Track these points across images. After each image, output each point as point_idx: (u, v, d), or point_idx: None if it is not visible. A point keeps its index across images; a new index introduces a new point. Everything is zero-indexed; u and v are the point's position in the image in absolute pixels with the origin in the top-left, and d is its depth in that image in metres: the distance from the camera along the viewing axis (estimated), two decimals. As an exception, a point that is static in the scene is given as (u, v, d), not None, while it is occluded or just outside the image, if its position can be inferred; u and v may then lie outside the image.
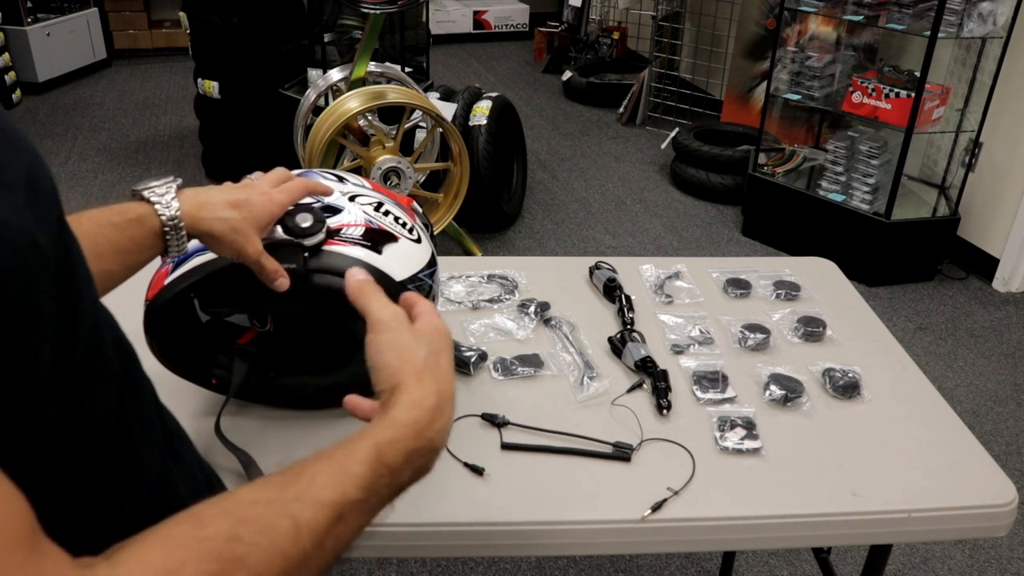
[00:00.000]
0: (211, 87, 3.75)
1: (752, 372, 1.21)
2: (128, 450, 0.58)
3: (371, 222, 1.00)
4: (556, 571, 1.99)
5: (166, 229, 0.81)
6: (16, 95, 4.89)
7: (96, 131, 4.57)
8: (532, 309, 1.31)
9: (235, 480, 0.97)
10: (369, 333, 0.69)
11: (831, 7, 3.27)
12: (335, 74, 3.21)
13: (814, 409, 1.15)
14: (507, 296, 1.37)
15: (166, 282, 0.95)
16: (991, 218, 3.30)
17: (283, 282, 0.89)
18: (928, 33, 2.89)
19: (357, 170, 2.89)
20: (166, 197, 0.82)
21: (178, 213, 0.82)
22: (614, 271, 1.42)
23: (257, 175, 0.97)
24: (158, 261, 0.92)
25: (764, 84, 3.65)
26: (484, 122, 3.37)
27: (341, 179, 1.07)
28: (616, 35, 5.48)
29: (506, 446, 1.05)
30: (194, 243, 0.97)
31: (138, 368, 0.63)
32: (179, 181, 0.84)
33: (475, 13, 6.58)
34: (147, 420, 0.62)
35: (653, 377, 1.16)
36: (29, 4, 4.94)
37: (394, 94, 2.84)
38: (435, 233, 1.17)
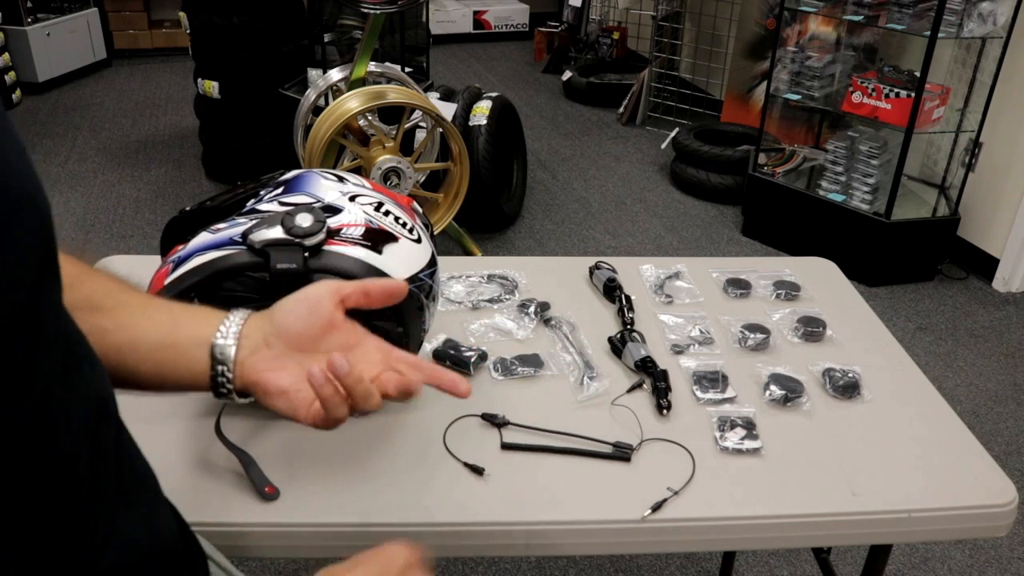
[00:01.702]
0: (211, 87, 3.75)
1: (752, 372, 1.21)
2: (73, 511, 0.52)
3: (371, 222, 1.00)
4: (556, 571, 1.99)
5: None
6: (16, 95, 4.90)
7: (96, 131, 4.57)
8: (532, 309, 1.31)
9: (235, 480, 0.98)
10: None
11: (831, 7, 3.27)
12: (335, 74, 3.21)
13: (814, 409, 1.15)
14: (507, 296, 1.37)
15: (166, 282, 0.95)
16: (991, 218, 3.30)
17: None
18: (928, 33, 2.89)
19: (357, 170, 2.89)
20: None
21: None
22: (614, 271, 1.42)
23: None
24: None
25: (764, 84, 3.65)
26: (484, 122, 3.37)
27: (341, 179, 1.07)
28: (616, 35, 5.48)
29: (506, 446, 1.05)
30: (194, 242, 0.97)
31: (104, 413, 0.57)
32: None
33: (475, 13, 6.58)
34: (102, 472, 0.56)
35: (653, 377, 1.16)
36: (29, 4, 4.94)
37: (394, 94, 2.84)
38: (435, 233, 1.17)
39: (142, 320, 0.71)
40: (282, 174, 1.10)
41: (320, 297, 0.73)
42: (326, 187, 1.04)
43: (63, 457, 0.51)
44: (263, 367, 0.72)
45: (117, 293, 0.72)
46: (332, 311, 0.73)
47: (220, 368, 0.71)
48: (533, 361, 1.20)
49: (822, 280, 1.48)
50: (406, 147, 3.00)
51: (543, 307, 1.33)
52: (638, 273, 1.46)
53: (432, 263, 1.05)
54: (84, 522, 0.54)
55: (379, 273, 0.96)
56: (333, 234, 0.96)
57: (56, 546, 0.52)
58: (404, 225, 1.04)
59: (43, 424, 0.48)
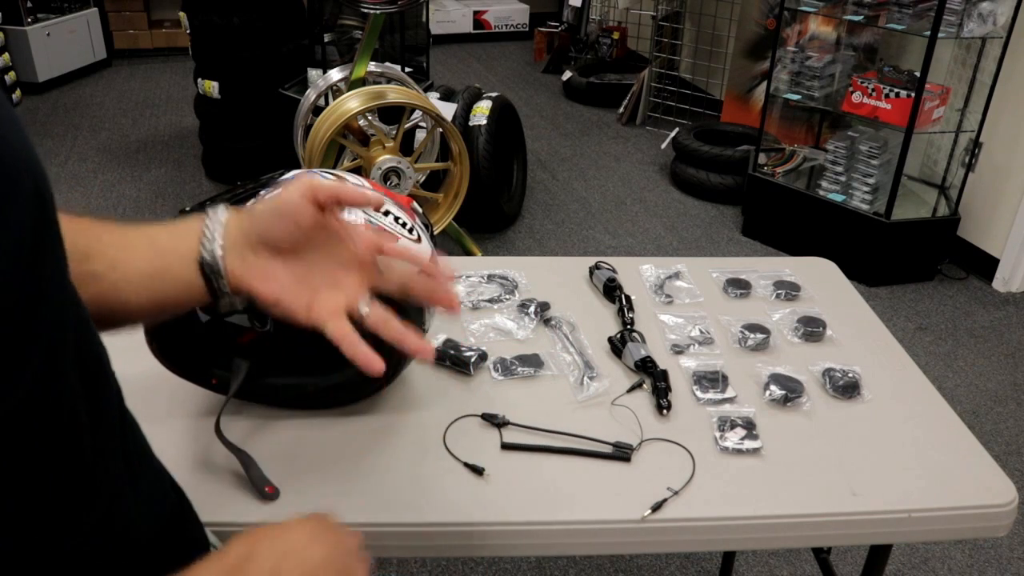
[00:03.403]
0: (211, 87, 3.75)
1: (752, 372, 1.21)
2: (77, 485, 0.53)
3: (371, 222, 1.00)
4: (556, 571, 1.99)
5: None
6: (16, 95, 4.89)
7: (96, 131, 4.57)
8: (532, 309, 1.31)
9: (236, 480, 0.98)
10: None
11: (831, 7, 3.27)
12: (335, 74, 3.21)
13: (814, 409, 1.15)
14: (507, 296, 1.37)
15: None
16: (991, 218, 3.30)
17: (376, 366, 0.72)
18: (928, 33, 2.89)
19: (357, 170, 2.89)
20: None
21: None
22: (614, 271, 1.42)
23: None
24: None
25: (764, 84, 3.65)
26: (484, 122, 3.37)
27: (341, 179, 1.07)
28: (616, 35, 5.48)
29: (506, 446, 1.05)
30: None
31: (106, 389, 0.58)
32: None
33: (475, 13, 6.58)
34: (106, 447, 0.56)
35: (653, 377, 1.16)
36: (29, 4, 4.94)
37: (394, 94, 2.84)
38: (435, 233, 1.17)
39: (127, 255, 0.72)
40: (282, 174, 1.10)
41: (297, 205, 0.72)
42: (326, 187, 1.04)
43: (67, 427, 0.51)
44: (252, 276, 0.72)
45: (100, 234, 0.72)
46: (312, 215, 0.73)
47: (217, 282, 0.71)
48: (533, 361, 1.20)
49: (822, 280, 1.48)
50: (406, 147, 3.00)
51: (543, 307, 1.33)
52: (638, 273, 1.46)
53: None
54: (89, 495, 0.54)
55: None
56: (333, 234, 0.96)
57: (60, 520, 0.52)
58: (404, 225, 1.04)
59: (48, 391, 0.48)
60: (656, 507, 0.97)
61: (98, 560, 0.56)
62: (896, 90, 3.06)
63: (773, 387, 1.16)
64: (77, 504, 0.53)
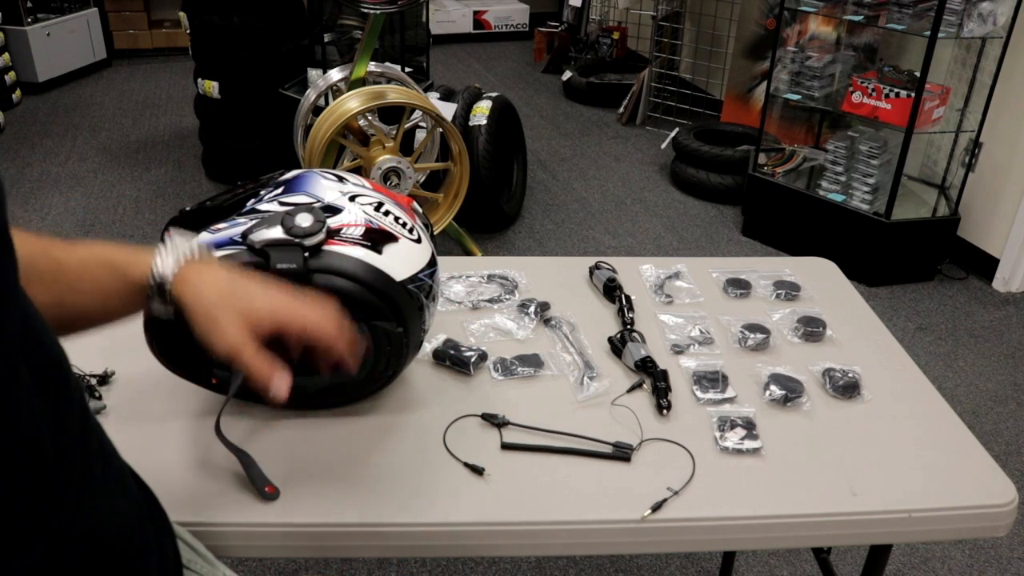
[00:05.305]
0: (211, 87, 3.75)
1: (752, 372, 1.21)
2: (39, 487, 0.53)
3: (371, 222, 1.00)
4: (556, 571, 1.99)
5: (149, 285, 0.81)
6: (16, 95, 4.89)
7: (96, 131, 4.57)
8: (532, 309, 1.31)
9: (236, 480, 0.98)
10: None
11: (831, 7, 3.27)
12: (335, 74, 3.21)
13: (814, 409, 1.15)
14: (507, 296, 1.37)
15: (166, 282, 0.95)
16: (991, 218, 3.30)
17: (278, 391, 0.80)
18: (928, 33, 2.89)
19: (357, 170, 2.89)
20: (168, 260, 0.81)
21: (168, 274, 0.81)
22: (614, 271, 1.42)
23: None
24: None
25: (764, 84, 3.65)
26: (484, 122, 3.37)
27: (341, 179, 1.07)
28: (616, 35, 5.48)
29: (506, 446, 1.05)
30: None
31: (66, 393, 0.58)
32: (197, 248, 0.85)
33: (475, 13, 6.58)
34: (68, 450, 0.56)
35: (653, 377, 1.16)
36: (29, 4, 4.94)
37: (394, 94, 2.84)
38: (435, 233, 1.17)
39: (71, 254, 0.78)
40: (282, 174, 1.10)
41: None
42: (326, 187, 1.04)
43: (27, 432, 0.51)
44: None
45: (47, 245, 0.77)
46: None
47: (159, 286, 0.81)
48: (533, 361, 1.20)
49: (822, 280, 1.48)
50: (406, 147, 3.00)
51: (543, 307, 1.33)
52: (638, 273, 1.46)
53: (432, 263, 1.05)
54: (53, 497, 0.54)
55: (379, 273, 0.97)
56: (333, 234, 0.96)
57: (23, 522, 0.52)
58: (404, 225, 1.04)
59: (7, 398, 0.48)
60: (656, 507, 0.97)
61: (68, 559, 0.57)
62: (896, 90, 3.06)
63: (773, 387, 1.16)
64: (42, 506, 0.53)
